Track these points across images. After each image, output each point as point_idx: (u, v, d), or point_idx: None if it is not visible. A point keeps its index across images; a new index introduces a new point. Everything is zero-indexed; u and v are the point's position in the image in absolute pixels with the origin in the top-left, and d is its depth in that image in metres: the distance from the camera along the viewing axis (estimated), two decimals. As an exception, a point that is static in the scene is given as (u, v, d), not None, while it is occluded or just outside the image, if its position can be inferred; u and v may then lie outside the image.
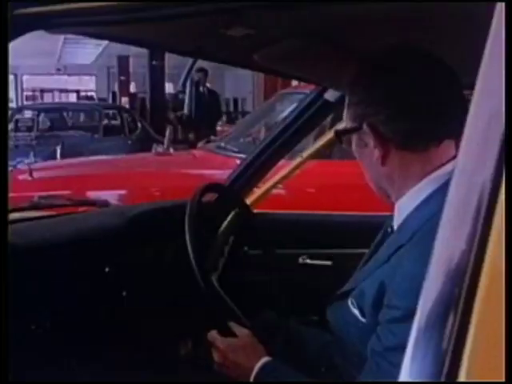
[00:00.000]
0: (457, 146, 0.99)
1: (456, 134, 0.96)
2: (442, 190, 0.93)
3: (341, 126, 1.14)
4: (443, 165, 0.99)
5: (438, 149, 1.00)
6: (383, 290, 0.96)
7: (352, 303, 1.04)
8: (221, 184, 1.87)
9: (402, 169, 1.01)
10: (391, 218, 1.10)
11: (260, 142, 2.11)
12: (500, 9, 0.50)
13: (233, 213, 1.56)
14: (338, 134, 1.11)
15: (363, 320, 1.01)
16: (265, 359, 1.16)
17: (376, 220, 1.29)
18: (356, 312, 1.03)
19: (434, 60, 1.02)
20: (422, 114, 1.00)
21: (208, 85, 7.04)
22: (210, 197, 1.73)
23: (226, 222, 1.55)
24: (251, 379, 1.15)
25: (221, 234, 1.49)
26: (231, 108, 15.03)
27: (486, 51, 0.50)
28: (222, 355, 1.22)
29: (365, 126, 1.00)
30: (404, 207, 1.03)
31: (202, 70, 6.98)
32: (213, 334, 1.24)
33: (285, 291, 1.56)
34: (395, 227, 1.07)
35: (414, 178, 1.00)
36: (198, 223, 1.35)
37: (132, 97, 12.55)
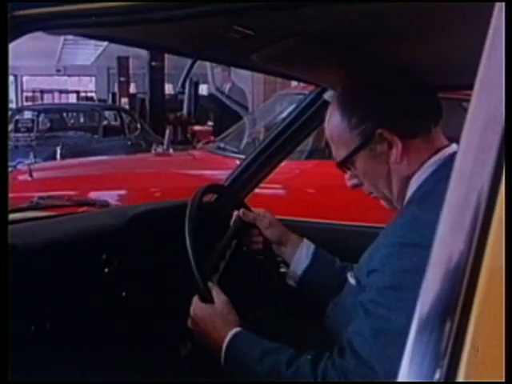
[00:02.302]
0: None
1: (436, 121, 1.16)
2: (439, 170, 1.09)
3: (339, 156, 1.19)
4: (439, 150, 1.13)
5: (437, 130, 1.15)
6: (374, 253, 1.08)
7: (351, 276, 1.17)
8: (221, 185, 1.87)
9: (414, 158, 1.12)
10: None
11: (260, 142, 2.11)
12: (500, 9, 0.50)
13: (236, 216, 1.55)
14: (345, 161, 1.18)
15: (356, 284, 1.13)
16: (236, 329, 1.18)
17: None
18: (352, 281, 1.15)
19: (400, 69, 1.17)
20: (414, 102, 1.14)
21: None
22: (209, 197, 1.73)
23: (230, 227, 1.54)
24: (223, 348, 1.16)
25: (224, 238, 1.48)
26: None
27: (485, 51, 0.50)
28: (196, 321, 1.23)
29: (378, 132, 1.10)
30: (408, 192, 1.14)
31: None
32: (193, 299, 1.25)
33: (285, 293, 1.55)
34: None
35: (420, 162, 1.12)
36: (198, 224, 1.35)
37: (132, 97, 12.53)
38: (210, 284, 1.26)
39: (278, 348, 1.13)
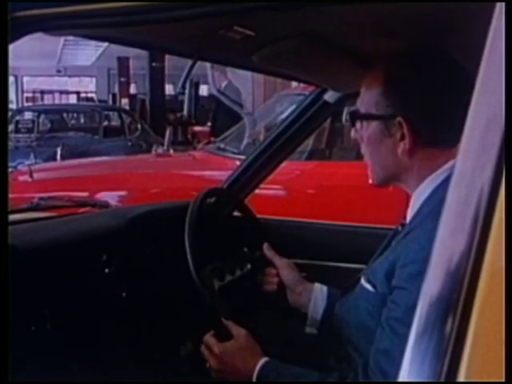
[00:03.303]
0: None
1: None
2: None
3: (358, 105, 1.16)
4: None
5: None
6: (395, 263, 1.03)
7: (365, 280, 1.11)
8: (222, 188, 1.87)
9: (426, 163, 1.09)
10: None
11: (260, 143, 2.11)
12: (500, 9, 0.50)
13: (248, 230, 1.54)
14: (358, 116, 1.15)
15: (374, 291, 1.08)
16: (264, 360, 1.17)
17: (383, 233, 1.28)
18: (368, 286, 1.10)
19: (460, 67, 1.08)
20: (455, 114, 1.04)
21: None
22: (209, 198, 1.73)
23: (242, 239, 1.53)
24: (253, 379, 1.15)
25: (237, 256, 1.47)
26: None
27: (486, 52, 0.50)
28: (219, 361, 1.21)
29: (399, 119, 1.07)
30: (420, 194, 1.10)
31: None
32: (209, 339, 1.24)
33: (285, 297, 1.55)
34: (408, 219, 1.13)
35: (434, 169, 1.08)
36: (198, 227, 1.35)
37: (132, 98, 12.54)
38: (224, 321, 1.25)
39: (305, 373, 1.13)
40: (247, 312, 1.37)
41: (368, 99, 1.14)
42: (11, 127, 7.53)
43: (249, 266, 1.48)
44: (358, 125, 1.16)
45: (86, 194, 3.31)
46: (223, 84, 6.08)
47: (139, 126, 8.15)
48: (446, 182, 1.06)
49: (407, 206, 1.16)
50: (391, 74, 1.12)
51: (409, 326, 0.95)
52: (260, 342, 1.22)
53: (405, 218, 1.17)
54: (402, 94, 1.09)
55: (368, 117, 1.13)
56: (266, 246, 1.51)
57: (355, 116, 1.16)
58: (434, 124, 1.08)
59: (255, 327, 1.29)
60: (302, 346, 1.38)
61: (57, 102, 18.48)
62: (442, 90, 1.08)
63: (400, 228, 1.19)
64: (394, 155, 1.11)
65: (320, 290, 1.42)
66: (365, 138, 1.15)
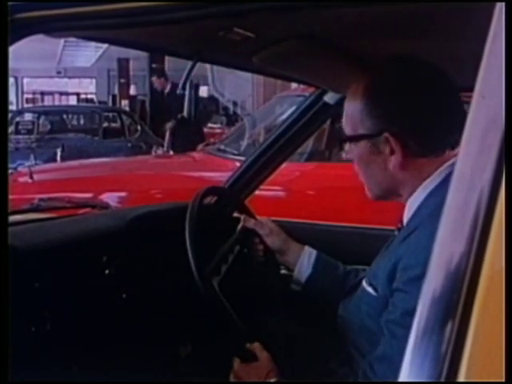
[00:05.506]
0: None
1: (454, 146, 1.08)
2: (447, 180, 1.02)
3: (345, 130, 1.17)
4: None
5: (452, 153, 1.08)
6: (396, 265, 1.03)
7: (366, 282, 1.12)
8: (222, 187, 1.87)
9: (418, 172, 1.10)
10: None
11: (260, 144, 2.11)
12: (500, 10, 0.50)
13: (240, 223, 1.54)
14: (346, 140, 1.16)
15: (375, 294, 1.08)
16: (275, 380, 1.17)
17: (383, 234, 1.28)
18: (369, 289, 1.10)
19: (441, 74, 1.10)
20: (439, 125, 1.08)
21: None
22: (209, 198, 1.73)
23: (235, 232, 1.53)
24: None
25: (227, 242, 1.47)
26: (231, 111, 15.06)
27: (486, 53, 0.50)
28: (236, 375, 1.22)
29: (385, 135, 1.08)
30: (415, 200, 1.11)
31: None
32: (236, 363, 1.24)
33: (286, 297, 1.55)
34: (405, 222, 1.14)
35: (425, 177, 1.09)
36: (198, 226, 1.35)
37: (132, 99, 12.55)
38: (247, 344, 1.25)
39: None
40: (251, 312, 1.37)
41: (352, 118, 1.13)
42: (11, 128, 7.54)
43: (238, 246, 1.48)
44: (347, 147, 1.16)
45: (86, 195, 3.31)
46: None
47: (139, 128, 8.15)
48: (440, 185, 1.06)
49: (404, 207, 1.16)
50: (374, 86, 1.12)
51: (407, 328, 0.95)
52: (263, 343, 1.22)
53: (401, 222, 1.17)
54: (386, 108, 1.10)
55: (354, 139, 1.13)
56: (244, 217, 1.51)
57: (344, 141, 1.16)
58: (421, 134, 1.08)
59: (259, 329, 1.30)
60: (304, 348, 1.38)
61: (57, 103, 18.46)
62: (427, 99, 1.08)
63: (397, 232, 1.19)
64: (386, 170, 1.11)
65: (308, 255, 1.44)
66: (356, 159, 1.16)
